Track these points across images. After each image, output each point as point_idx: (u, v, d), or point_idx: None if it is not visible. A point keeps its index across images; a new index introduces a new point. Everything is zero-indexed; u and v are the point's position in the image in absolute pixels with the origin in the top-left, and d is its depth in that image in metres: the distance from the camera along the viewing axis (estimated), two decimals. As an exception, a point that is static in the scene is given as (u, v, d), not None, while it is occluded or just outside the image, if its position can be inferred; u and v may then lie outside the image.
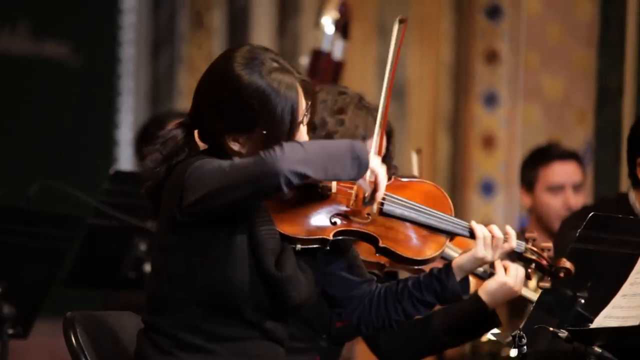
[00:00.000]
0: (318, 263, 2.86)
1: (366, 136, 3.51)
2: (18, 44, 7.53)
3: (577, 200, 5.05)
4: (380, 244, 2.80)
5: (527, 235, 2.95)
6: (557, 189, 5.09)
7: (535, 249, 2.94)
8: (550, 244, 2.96)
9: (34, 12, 7.56)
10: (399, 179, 2.92)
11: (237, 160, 2.73)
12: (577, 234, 3.02)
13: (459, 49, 7.34)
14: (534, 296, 3.53)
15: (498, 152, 7.18)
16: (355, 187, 2.82)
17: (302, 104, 2.80)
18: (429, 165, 7.33)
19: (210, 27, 7.53)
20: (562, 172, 5.11)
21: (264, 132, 2.76)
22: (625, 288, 2.98)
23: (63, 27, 7.60)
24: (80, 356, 2.91)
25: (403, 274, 3.31)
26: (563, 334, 2.91)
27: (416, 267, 2.92)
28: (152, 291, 2.81)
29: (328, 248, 2.82)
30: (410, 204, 2.86)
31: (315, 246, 2.79)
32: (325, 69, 5.31)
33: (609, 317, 2.96)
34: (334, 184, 2.82)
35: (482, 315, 3.40)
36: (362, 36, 7.33)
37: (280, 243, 2.77)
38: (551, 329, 2.92)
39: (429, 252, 2.85)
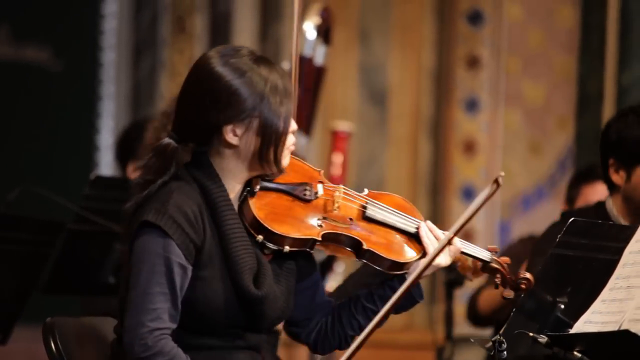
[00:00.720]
0: (295, 274, 2.87)
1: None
2: (-2, 49, 7.51)
3: None
4: (364, 247, 2.85)
5: (489, 247, 2.99)
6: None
7: (498, 260, 2.97)
8: (508, 259, 2.99)
9: (15, 16, 7.54)
10: (372, 191, 2.95)
11: (146, 296, 2.68)
12: (557, 240, 3.03)
13: (440, 54, 7.35)
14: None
15: (479, 157, 7.20)
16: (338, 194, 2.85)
17: (290, 93, 2.82)
18: (410, 171, 7.34)
19: (192, 32, 7.52)
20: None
21: (260, 120, 2.76)
22: (605, 293, 2.99)
23: (44, 32, 7.58)
24: (59, 362, 2.90)
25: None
26: (543, 339, 2.91)
27: (397, 272, 2.93)
28: (125, 301, 2.80)
29: (312, 251, 2.86)
30: (391, 209, 2.91)
31: (301, 249, 2.83)
32: (307, 74, 5.31)
33: (589, 322, 2.97)
34: (320, 188, 2.84)
35: (412, 297, 3.44)
36: (344, 41, 7.34)
37: (256, 258, 2.78)
38: (531, 334, 2.92)
39: (410, 254, 2.89)
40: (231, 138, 2.78)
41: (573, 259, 3.04)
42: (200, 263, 2.72)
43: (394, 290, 2.89)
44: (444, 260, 2.91)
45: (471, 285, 5.20)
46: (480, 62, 7.23)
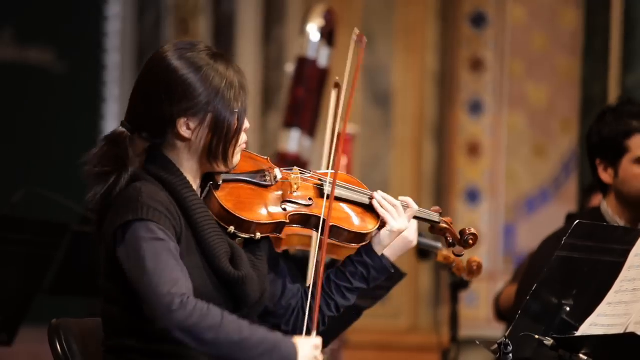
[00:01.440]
0: (266, 259, 2.89)
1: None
2: (2, 51, 7.52)
3: None
4: (329, 223, 2.89)
5: (433, 209, 3.04)
6: None
7: (445, 220, 3.03)
8: (450, 218, 3.05)
9: (19, 18, 7.55)
10: (316, 171, 3.01)
11: (158, 271, 2.66)
12: (562, 242, 3.03)
13: (444, 56, 7.36)
14: (435, 244, 3.66)
15: (483, 159, 7.20)
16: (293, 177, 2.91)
17: (246, 91, 2.84)
18: (414, 173, 7.34)
19: (195, 34, 7.52)
20: None
21: (213, 115, 2.77)
22: (611, 296, 2.99)
23: (48, 34, 7.59)
24: (65, 364, 2.90)
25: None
26: (548, 341, 2.91)
27: (358, 245, 2.98)
28: (110, 316, 2.80)
29: (280, 235, 2.90)
30: (344, 185, 2.97)
31: (272, 234, 2.87)
32: (310, 77, 5.31)
33: (595, 325, 2.96)
34: (277, 172, 2.89)
35: (382, 267, 3.50)
36: (347, 43, 7.33)
37: (228, 244, 2.80)
38: (537, 336, 2.92)
39: (370, 225, 2.95)
40: (184, 131, 2.78)
41: (578, 262, 3.04)
42: (180, 254, 2.73)
43: (363, 265, 2.95)
44: (403, 224, 2.95)
45: (477, 287, 5.22)
46: (483, 64, 7.23)
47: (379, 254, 2.97)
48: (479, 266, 3.56)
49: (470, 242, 3.04)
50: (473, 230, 3.05)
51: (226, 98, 2.78)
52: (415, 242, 3.36)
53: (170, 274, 2.66)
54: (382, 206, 2.96)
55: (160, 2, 7.68)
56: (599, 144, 3.76)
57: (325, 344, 3.91)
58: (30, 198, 4.60)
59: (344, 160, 5.73)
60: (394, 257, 3.48)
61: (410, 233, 3.36)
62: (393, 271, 3.02)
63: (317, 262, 2.85)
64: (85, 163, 2.80)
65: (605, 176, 3.75)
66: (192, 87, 2.77)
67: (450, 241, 3.05)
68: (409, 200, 2.99)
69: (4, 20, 7.51)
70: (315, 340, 2.74)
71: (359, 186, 3.01)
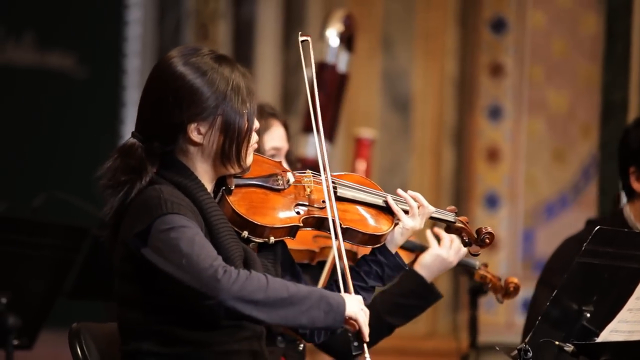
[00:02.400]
0: (279, 261, 2.90)
1: (261, 129, 3.67)
2: (23, 55, 7.55)
3: None
4: (343, 225, 2.89)
5: (449, 208, 3.04)
6: None
7: (461, 219, 3.01)
8: (466, 218, 3.03)
9: (40, 23, 7.58)
10: (332, 174, 3.01)
11: (197, 249, 2.66)
12: (583, 248, 3.02)
13: (464, 62, 7.35)
14: (473, 263, 3.63)
15: (502, 165, 7.19)
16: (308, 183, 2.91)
17: (253, 92, 2.85)
18: (433, 178, 7.34)
19: (215, 39, 7.54)
20: None
21: (223, 118, 2.78)
22: (631, 302, 2.98)
23: (68, 39, 7.62)
24: (85, 367, 2.91)
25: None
26: (569, 348, 2.91)
27: (373, 246, 2.98)
28: (126, 320, 2.80)
29: (294, 238, 2.90)
30: (358, 186, 2.98)
31: (285, 238, 2.88)
32: (329, 82, 5.31)
33: (615, 331, 2.96)
34: (290, 176, 2.88)
35: (421, 288, 3.56)
36: (367, 49, 7.35)
37: (242, 248, 2.80)
38: (557, 342, 2.92)
39: (385, 227, 2.95)
40: (195, 136, 2.80)
41: (599, 268, 3.03)
42: None
43: (377, 263, 2.95)
44: (417, 223, 2.96)
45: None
46: (503, 70, 7.22)
47: (392, 251, 2.97)
48: (516, 288, 3.51)
49: (487, 241, 3.03)
50: (489, 229, 3.04)
51: (233, 100, 2.80)
52: (455, 263, 3.37)
53: (208, 251, 2.68)
54: (397, 205, 2.97)
55: (181, 7, 7.70)
56: (637, 151, 3.71)
57: (352, 357, 3.91)
58: (50, 202, 4.62)
59: (362, 166, 5.74)
60: (430, 276, 3.51)
61: (451, 252, 3.39)
62: (407, 268, 3.03)
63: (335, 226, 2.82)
64: (100, 177, 2.81)
65: (637, 185, 3.72)
66: (199, 92, 2.79)
67: (467, 240, 3.04)
68: (418, 195, 2.99)
69: (25, 25, 7.55)
70: (358, 296, 2.76)
71: (372, 187, 3.01)
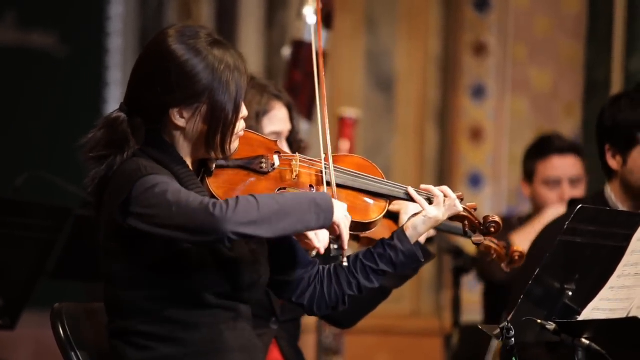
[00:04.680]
0: (265, 242, 2.88)
1: (260, 112, 3.64)
2: (5, 34, 7.51)
3: (574, 194, 5.05)
4: None
5: (456, 194, 3.00)
6: (553, 183, 5.10)
7: (466, 207, 2.99)
8: (475, 204, 3.01)
9: (21, 1, 7.53)
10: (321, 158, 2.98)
11: (184, 195, 2.65)
12: (565, 227, 3.02)
13: (447, 41, 7.34)
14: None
15: (486, 144, 7.20)
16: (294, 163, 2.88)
17: (245, 80, 2.81)
18: (417, 157, 7.34)
19: (198, 19, 7.51)
20: (559, 166, 5.11)
21: (209, 104, 2.75)
22: (613, 280, 2.99)
23: (50, 17, 7.57)
24: (67, 348, 2.91)
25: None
26: (551, 326, 2.91)
27: (361, 233, 2.96)
28: (113, 299, 2.79)
29: None
30: (350, 171, 2.94)
31: None
32: (307, 60, 5.28)
33: (597, 309, 2.96)
34: (276, 159, 2.87)
35: (412, 253, 3.45)
36: (350, 28, 7.33)
37: None
38: (539, 321, 2.92)
39: (374, 215, 2.90)
40: (178, 120, 2.78)
41: (581, 246, 3.03)
42: None
43: (393, 248, 2.92)
44: (441, 213, 2.94)
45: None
46: (486, 49, 7.22)
47: (412, 240, 2.94)
48: (521, 256, 3.49)
49: (492, 230, 2.99)
50: (496, 219, 2.99)
51: (223, 87, 2.76)
52: (441, 218, 3.29)
53: (195, 195, 2.66)
54: (419, 195, 2.95)
55: (163, -15, 7.67)
56: (611, 129, 3.71)
57: (351, 324, 3.90)
58: (32, 182, 4.60)
59: (346, 145, 5.73)
60: (417, 235, 3.42)
61: (441, 212, 3.29)
62: (423, 260, 2.99)
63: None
64: (82, 147, 2.79)
65: (613, 162, 3.72)
66: (188, 75, 2.75)
67: (467, 228, 3.00)
68: (445, 188, 2.97)
69: (6, 4, 7.50)
70: (344, 204, 2.79)
71: (371, 170, 2.97)
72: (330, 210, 2.71)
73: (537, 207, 5.13)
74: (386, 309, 3.95)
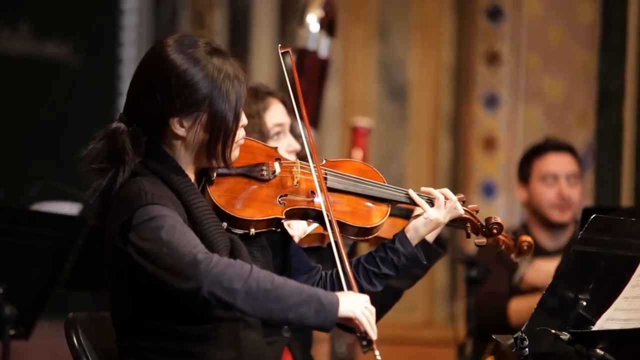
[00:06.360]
0: (268, 248, 2.87)
1: (260, 109, 3.66)
2: (19, 44, 7.53)
3: (572, 192, 5.06)
4: (329, 218, 2.85)
5: (458, 197, 3.00)
6: (551, 178, 5.10)
7: (467, 209, 2.99)
8: (476, 206, 3.00)
9: (35, 12, 7.56)
10: (328, 160, 2.97)
11: (177, 236, 2.62)
12: (579, 236, 3.02)
13: (460, 50, 7.34)
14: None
15: (499, 153, 7.19)
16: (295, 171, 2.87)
17: (244, 88, 2.80)
18: (430, 167, 7.33)
19: (211, 28, 7.53)
20: (556, 162, 5.13)
21: (209, 114, 2.74)
22: (627, 290, 2.98)
23: (64, 28, 7.60)
24: (81, 357, 2.91)
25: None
26: (565, 336, 2.91)
27: (365, 238, 2.96)
28: (119, 317, 2.78)
29: (279, 230, 2.86)
30: (351, 177, 2.93)
31: (267, 229, 2.84)
32: (311, 68, 5.28)
33: (611, 319, 2.96)
34: (277, 166, 2.85)
35: (423, 248, 3.42)
36: (363, 37, 7.33)
37: (228, 238, 2.77)
38: (553, 331, 2.92)
39: (376, 219, 2.91)
40: (178, 129, 2.77)
41: (595, 256, 3.03)
42: None
43: (395, 251, 2.91)
44: (442, 215, 2.93)
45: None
46: (500, 58, 7.21)
47: (414, 242, 2.93)
48: (530, 246, 3.48)
49: (494, 231, 3.00)
50: (499, 220, 3.01)
51: (222, 96, 2.75)
52: (442, 221, 3.28)
53: (189, 239, 2.63)
54: (420, 198, 2.94)
55: (176, -5, 7.69)
56: None
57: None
58: (46, 192, 4.62)
59: (359, 154, 5.73)
60: (433, 235, 3.41)
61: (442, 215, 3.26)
62: (425, 263, 2.99)
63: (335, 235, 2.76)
64: (82, 159, 2.79)
65: None
66: (187, 84, 2.74)
67: (469, 230, 3.00)
68: (445, 190, 2.97)
69: (20, 14, 7.52)
70: (363, 296, 2.67)
71: (372, 175, 2.97)
72: (332, 311, 2.60)
73: (534, 210, 5.13)
74: (400, 319, 3.95)
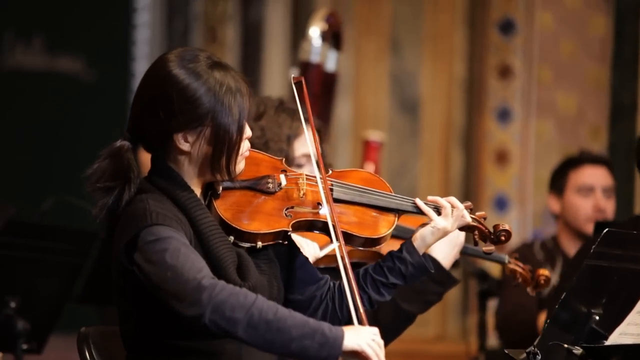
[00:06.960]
0: (275, 261, 2.87)
1: (291, 135, 3.63)
2: (33, 59, 7.57)
3: (608, 205, 5.02)
4: (338, 229, 2.84)
5: (465, 204, 2.98)
6: (587, 190, 5.06)
7: (475, 216, 2.98)
8: (484, 213, 3.00)
9: (49, 27, 7.60)
10: (335, 170, 2.98)
11: (181, 260, 2.62)
12: (592, 250, 3.01)
13: (472, 64, 7.34)
14: (503, 257, 3.57)
15: (511, 167, 7.18)
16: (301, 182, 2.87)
17: (247, 101, 2.80)
18: (442, 181, 7.33)
19: (223, 42, 7.55)
20: (592, 174, 5.08)
21: (213, 127, 2.74)
22: (640, 305, 2.98)
23: (77, 42, 7.63)
24: (94, 371, 2.92)
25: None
26: (578, 351, 2.90)
27: (372, 249, 2.95)
28: (127, 333, 2.78)
29: (286, 243, 2.85)
30: (357, 187, 2.92)
31: (274, 242, 2.83)
32: (313, 81, 5.26)
33: (624, 334, 2.95)
34: (282, 178, 2.85)
35: (438, 273, 3.40)
36: (375, 51, 7.34)
37: (235, 253, 2.77)
38: (566, 345, 2.91)
39: (383, 230, 2.89)
40: (182, 144, 2.76)
41: (607, 270, 3.02)
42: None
43: (402, 260, 2.90)
44: (449, 223, 2.92)
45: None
46: (512, 71, 7.21)
47: (421, 251, 2.92)
48: (547, 280, 3.47)
49: (502, 238, 2.98)
50: (507, 227, 2.99)
51: (225, 110, 2.74)
52: (450, 230, 3.27)
53: (193, 263, 2.62)
54: (427, 207, 2.94)
55: (189, 10, 7.71)
56: None
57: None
58: (59, 206, 4.63)
59: (371, 168, 5.73)
60: (449, 261, 3.41)
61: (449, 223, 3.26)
62: (433, 271, 2.97)
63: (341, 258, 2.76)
64: (88, 178, 2.79)
65: None
66: (190, 99, 2.73)
67: (477, 238, 2.99)
68: (452, 198, 2.95)
69: (34, 29, 7.56)
70: (372, 328, 2.65)
71: (379, 185, 2.96)
72: (336, 345, 2.57)
73: (567, 222, 5.08)
74: (412, 333, 3.93)
